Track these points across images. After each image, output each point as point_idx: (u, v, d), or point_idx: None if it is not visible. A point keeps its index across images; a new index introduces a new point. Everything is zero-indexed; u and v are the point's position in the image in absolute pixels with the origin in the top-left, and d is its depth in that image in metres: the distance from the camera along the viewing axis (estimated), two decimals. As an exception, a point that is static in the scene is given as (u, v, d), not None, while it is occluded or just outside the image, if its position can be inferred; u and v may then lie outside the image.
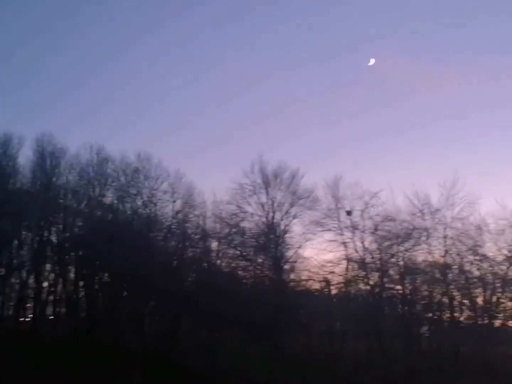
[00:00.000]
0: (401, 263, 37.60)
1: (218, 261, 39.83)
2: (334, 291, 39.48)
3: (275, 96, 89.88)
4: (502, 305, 36.84)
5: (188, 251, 39.08)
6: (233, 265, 39.69)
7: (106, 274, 38.64)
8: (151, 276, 34.85)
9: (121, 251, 33.38)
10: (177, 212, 38.60)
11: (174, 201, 38.68)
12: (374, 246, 37.69)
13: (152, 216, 38.28)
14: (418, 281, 38.02)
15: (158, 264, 35.58)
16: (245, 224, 39.17)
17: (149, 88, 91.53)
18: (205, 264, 39.19)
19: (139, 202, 38.52)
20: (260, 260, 39.02)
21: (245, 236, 38.78)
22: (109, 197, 39.96)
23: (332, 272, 37.96)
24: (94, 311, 38.60)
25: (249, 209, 38.84)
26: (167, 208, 38.89)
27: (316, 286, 39.26)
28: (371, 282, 37.91)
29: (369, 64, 64.52)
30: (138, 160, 39.33)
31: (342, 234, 37.56)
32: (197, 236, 39.02)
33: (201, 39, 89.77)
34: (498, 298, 36.57)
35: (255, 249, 38.84)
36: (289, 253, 38.91)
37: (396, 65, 70.65)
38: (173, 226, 38.63)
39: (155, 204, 38.54)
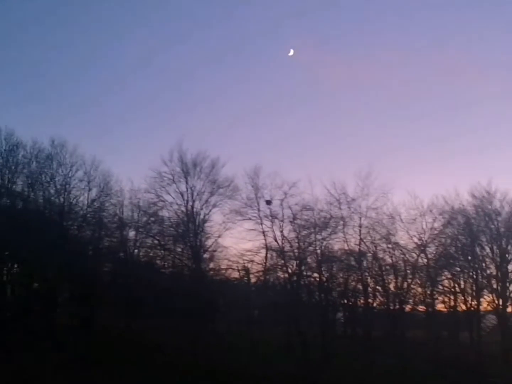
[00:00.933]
0: (318, 251, 39.12)
1: (136, 251, 39.89)
2: (253, 280, 40.73)
3: (196, 83, 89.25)
4: (413, 290, 39.78)
5: (104, 241, 39.02)
6: (151, 254, 40.14)
7: (16, 265, 38.33)
8: (64, 266, 35.11)
9: (32, 241, 33.30)
10: (93, 201, 38.22)
11: (89, 189, 38.15)
12: (292, 235, 39.07)
13: (66, 204, 37.92)
14: (334, 269, 39.98)
15: (71, 254, 35.74)
16: (163, 213, 39.41)
17: (62, 68, 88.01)
18: (122, 254, 39.43)
19: (52, 190, 37.79)
20: (179, 250, 39.44)
21: (164, 225, 39.00)
22: (20, 185, 39.20)
23: (252, 261, 39.09)
24: (3, 303, 38.14)
25: (168, 198, 38.96)
26: (82, 197, 38.37)
27: (236, 274, 40.56)
28: (290, 270, 39.30)
29: (289, 54, 66.04)
30: (51, 146, 38.33)
31: (262, 223, 38.70)
32: (113, 225, 38.82)
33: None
34: (409, 284, 39.31)
35: (174, 238, 39.26)
36: (209, 242, 39.63)
37: (316, 57, 72.85)
38: (88, 215, 38.27)
39: (69, 192, 37.93)
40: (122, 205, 39.19)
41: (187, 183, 39.02)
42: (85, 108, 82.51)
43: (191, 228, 38.95)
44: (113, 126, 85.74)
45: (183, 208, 38.99)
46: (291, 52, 62.64)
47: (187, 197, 38.90)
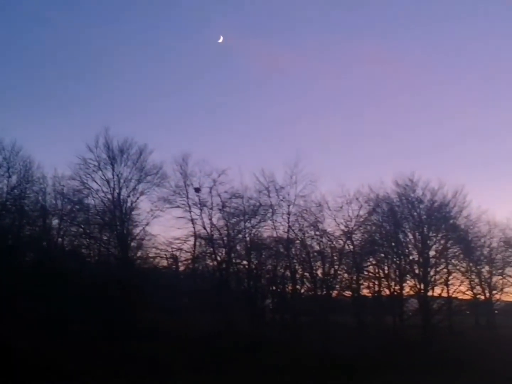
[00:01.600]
0: (248, 239, 40.12)
1: (60, 240, 39.45)
2: (181, 268, 41.42)
3: (125, 69, 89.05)
4: (339, 276, 41.65)
5: (26, 229, 38.25)
6: (76, 243, 39.73)
7: None
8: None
9: None
10: (13, 188, 36.93)
11: (9, 176, 37.13)
12: (221, 223, 39.86)
13: (-18, 192, 37.18)
14: (263, 256, 41.15)
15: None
16: (89, 201, 39.06)
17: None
18: (45, 243, 39.39)
19: (-34, 177, 37.17)
20: (105, 238, 39.12)
21: (89, 213, 38.62)
22: None
23: (180, 249, 39.49)
24: None
25: (94, 185, 38.57)
26: (1, 183, 36.85)
27: (164, 263, 41.03)
28: (218, 258, 40.08)
29: (218, 41, 66.72)
30: (-34, 131, 37.77)
31: (190, 211, 39.18)
32: (35, 213, 38.07)
33: None
34: (336, 271, 41.03)
35: (100, 226, 38.77)
36: (136, 231, 39.50)
37: (246, 44, 73.93)
38: (8, 203, 37.43)
39: (-14, 179, 37.48)
40: (45, 192, 38.60)
41: (113, 170, 38.74)
42: (5, 93, 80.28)
43: (117, 216, 38.88)
44: (36, 111, 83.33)
45: (109, 196, 38.68)
46: (221, 39, 63.17)
47: (114, 185, 38.63)
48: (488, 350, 36.75)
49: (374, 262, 41.76)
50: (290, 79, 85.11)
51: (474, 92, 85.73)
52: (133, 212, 39.52)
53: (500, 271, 41.78)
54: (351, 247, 40.24)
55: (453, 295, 41.61)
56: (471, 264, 41.53)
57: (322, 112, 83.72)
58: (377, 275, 41.91)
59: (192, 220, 39.27)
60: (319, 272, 40.67)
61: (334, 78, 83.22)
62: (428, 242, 40.83)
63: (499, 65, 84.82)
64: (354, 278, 40.78)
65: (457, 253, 41.33)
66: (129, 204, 39.23)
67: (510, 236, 41.96)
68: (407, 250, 41.15)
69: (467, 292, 41.85)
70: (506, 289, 42.43)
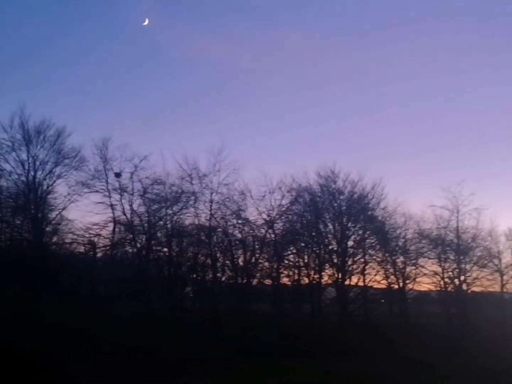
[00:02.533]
0: (169, 226, 40.61)
1: (-32, 223, 39.07)
2: (99, 254, 41.33)
3: (45, 48, 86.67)
4: (260, 265, 43.38)
5: None
6: (-15, 227, 39.65)
7: None
8: None
9: None
10: None
11: None
12: (142, 209, 40.01)
13: None
14: (184, 244, 42.13)
15: None
16: (2, 183, 38.31)
17: None
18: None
19: None
20: (18, 222, 38.91)
21: (1, 196, 37.94)
22: None
23: (98, 235, 39.28)
24: None
25: (7, 166, 38.00)
26: None
27: (81, 249, 41.11)
28: (138, 245, 40.40)
29: (143, 24, 66.86)
30: None
31: (110, 196, 39.10)
32: None
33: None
34: (257, 259, 42.73)
35: (12, 210, 38.05)
36: (52, 215, 39.31)
37: (171, 28, 74.58)
38: None
39: None
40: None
41: (28, 151, 37.95)
42: None
43: (32, 200, 38.30)
44: None
45: (23, 178, 37.98)
46: (146, 22, 63.15)
47: (29, 167, 37.90)
48: (400, 337, 39.79)
49: (294, 251, 43.48)
50: (215, 65, 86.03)
51: (394, 84, 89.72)
52: (49, 196, 39.23)
53: (413, 261, 44.62)
54: (273, 236, 41.55)
55: (369, 284, 44.21)
56: (386, 255, 44.06)
57: (246, 99, 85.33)
58: (297, 264, 43.63)
59: (111, 205, 39.17)
60: (240, 260, 42.22)
61: (259, 65, 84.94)
62: (347, 232, 43.14)
63: (422, 54, 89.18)
64: (275, 266, 42.36)
65: (374, 244, 43.71)
66: (45, 187, 38.85)
67: (424, 228, 44.98)
68: (326, 240, 43.11)
69: (382, 282, 44.43)
70: (418, 279, 45.48)
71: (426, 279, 45.48)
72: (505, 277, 47.06)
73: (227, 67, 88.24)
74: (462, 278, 45.68)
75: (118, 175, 39.74)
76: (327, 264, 43.22)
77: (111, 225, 39.65)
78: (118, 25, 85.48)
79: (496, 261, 46.80)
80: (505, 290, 47.44)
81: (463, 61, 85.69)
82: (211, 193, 40.68)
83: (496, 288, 47.33)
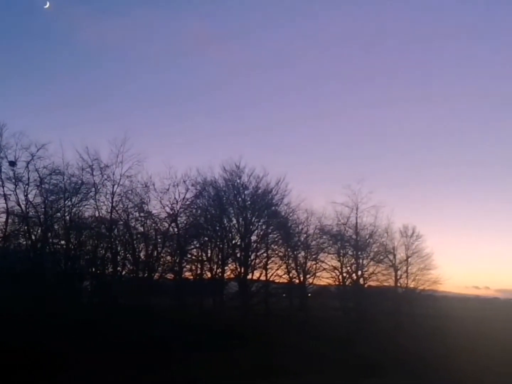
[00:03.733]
0: (67, 217, 40.14)
1: None
2: (-9, 246, 41.02)
3: None
4: (162, 259, 44.53)
5: None
6: None
7: None
8: None
9: None
10: None
11: None
12: (39, 200, 39.22)
13: None
14: (83, 236, 41.72)
15: None
16: None
17: None
18: None
19: None
20: None
21: None
22: None
23: (-11, 226, 39.41)
24: None
25: None
26: None
27: (-30, 240, 40.34)
28: (33, 237, 39.63)
29: (45, 7, 66.19)
30: None
31: (3, 186, 38.05)
32: None
33: None
34: (159, 253, 43.88)
35: None
36: None
37: (73, 12, 74.29)
38: None
39: None
40: None
41: None
42: None
43: None
44: None
45: None
46: (47, 5, 62.14)
47: None
48: (300, 330, 42.56)
49: (198, 246, 44.48)
50: (120, 54, 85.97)
51: (297, 81, 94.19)
52: None
53: (314, 256, 47.59)
54: (176, 229, 42.36)
55: (271, 279, 46.59)
56: (289, 250, 46.61)
57: (151, 91, 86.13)
58: (200, 258, 44.74)
59: (5, 195, 38.07)
60: (142, 254, 43.09)
61: (165, 56, 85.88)
62: (251, 227, 44.93)
63: (327, 47, 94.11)
64: (177, 260, 43.48)
65: (276, 239, 45.90)
66: None
67: (325, 224, 48.25)
68: (230, 235, 44.54)
69: (283, 276, 47.02)
70: (318, 274, 48.75)
71: (325, 273, 48.84)
72: (399, 272, 51.53)
73: (132, 57, 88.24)
74: (359, 273, 49.62)
75: (12, 163, 38.82)
76: (230, 259, 44.83)
77: (4, 216, 38.84)
78: (19, 7, 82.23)
79: (391, 257, 51.14)
80: (398, 284, 51.99)
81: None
82: (113, 185, 40.84)
83: (391, 282, 51.80)
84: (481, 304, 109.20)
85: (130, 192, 41.41)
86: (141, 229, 42.32)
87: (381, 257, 50.13)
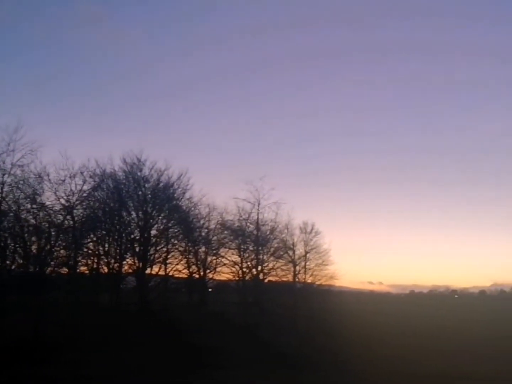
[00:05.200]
0: None
1: None
2: None
3: None
4: (55, 253, 43.89)
5: None
6: None
7: None
8: None
9: None
10: None
11: None
12: None
13: None
14: None
15: None
16: None
17: None
18: None
19: None
20: None
21: None
22: None
23: None
24: None
25: None
26: None
27: None
28: None
29: None
30: None
31: None
32: None
33: None
34: (52, 246, 43.17)
35: None
36: None
37: None
38: None
39: None
40: None
41: None
42: None
43: None
44: None
45: None
46: None
47: None
48: (198, 325, 43.90)
49: (94, 239, 43.94)
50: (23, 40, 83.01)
51: (203, 76, 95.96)
52: None
53: (215, 251, 49.17)
54: (71, 222, 41.39)
55: (171, 274, 47.60)
56: (189, 244, 47.84)
57: (46, 78, 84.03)
58: (96, 252, 44.24)
59: None
60: (34, 247, 42.22)
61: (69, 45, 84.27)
62: (151, 221, 45.08)
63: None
64: (72, 254, 43.05)
65: (177, 233, 46.63)
66: None
67: (226, 219, 50.08)
68: (129, 229, 44.43)
69: (183, 271, 48.19)
70: (219, 269, 50.44)
71: (226, 269, 50.71)
72: (297, 268, 54.66)
73: (33, 44, 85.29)
74: (259, 268, 52.06)
75: None
76: (128, 253, 45.04)
77: None
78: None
79: (290, 253, 54.04)
80: (297, 279, 55.14)
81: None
82: (3, 175, 38.86)
83: (289, 277, 54.81)
84: (374, 299, 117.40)
85: (21, 182, 40.10)
86: (33, 221, 41.27)
87: (281, 253, 52.71)
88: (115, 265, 44.33)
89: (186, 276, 47.95)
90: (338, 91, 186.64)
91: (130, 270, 44.75)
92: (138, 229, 44.60)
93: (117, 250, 44.42)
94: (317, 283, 55.53)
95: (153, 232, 45.31)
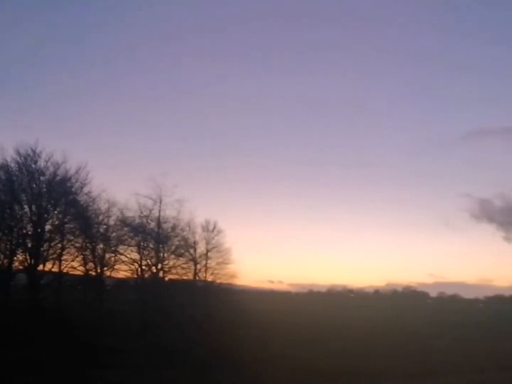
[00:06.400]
0: None
1: None
2: None
3: None
4: None
5: None
6: None
7: None
8: None
9: None
10: None
11: None
12: None
13: None
14: None
15: None
16: None
17: None
18: None
19: None
20: None
21: None
22: None
23: None
24: None
25: None
26: None
27: None
28: None
29: None
30: None
31: None
32: None
33: None
34: None
35: None
36: None
37: None
38: None
39: None
40: None
41: None
42: None
43: None
44: None
45: None
46: None
47: None
48: (92, 324, 43.46)
49: None
50: None
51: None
52: None
53: (113, 248, 48.56)
54: None
55: (65, 271, 46.16)
56: (87, 240, 47.04)
57: None
58: None
59: None
60: None
61: None
62: (46, 216, 43.53)
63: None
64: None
65: (74, 229, 45.47)
66: None
67: (127, 216, 49.68)
68: (21, 223, 43.07)
69: (79, 268, 47.08)
70: (117, 266, 49.95)
71: (124, 266, 50.39)
72: (198, 266, 55.56)
73: None
74: (159, 266, 52.33)
75: None
76: (19, 249, 43.61)
77: None
78: None
79: (191, 251, 54.82)
80: (197, 278, 56.07)
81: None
82: None
83: (190, 276, 55.59)
84: (274, 297, 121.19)
85: None
86: None
87: (182, 251, 53.26)
88: (5, 261, 42.59)
89: (82, 273, 47.05)
90: (240, 90, 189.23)
91: (21, 267, 43.13)
92: (31, 224, 43.14)
93: (7, 246, 42.63)
94: (218, 281, 56.72)
95: (48, 227, 44.00)
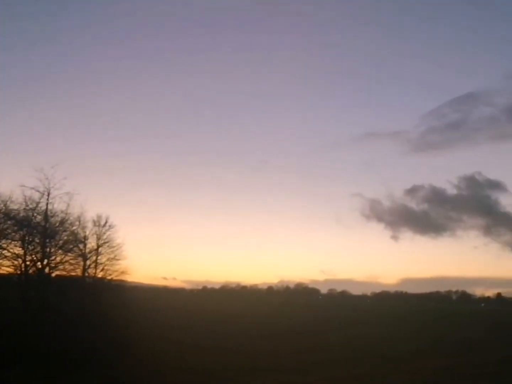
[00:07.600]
0: None
1: None
2: None
3: None
4: None
5: None
6: None
7: None
8: None
9: None
10: None
11: None
12: None
13: None
14: None
15: None
16: None
17: None
18: None
19: None
20: None
21: None
22: None
23: None
24: None
25: None
26: None
27: None
28: None
29: None
30: None
31: None
32: None
33: None
34: None
35: None
36: None
37: None
38: None
39: None
40: None
41: None
42: None
43: None
44: None
45: None
46: None
47: None
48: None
49: None
50: None
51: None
52: None
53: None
54: None
55: None
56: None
57: None
58: None
59: None
60: None
61: None
62: None
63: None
64: None
65: None
66: None
67: (11, 209, 47.69)
68: None
69: None
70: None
71: (7, 262, 48.41)
72: (88, 262, 54.67)
73: None
74: (45, 261, 50.79)
75: None
76: None
77: None
78: None
79: (81, 246, 53.86)
80: (86, 274, 55.21)
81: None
82: None
83: (79, 272, 54.57)
84: (168, 294, 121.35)
85: None
86: None
87: (71, 246, 51.97)
88: None
89: None
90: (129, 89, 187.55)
91: None
92: None
93: None
94: (108, 278, 56.20)
95: None
